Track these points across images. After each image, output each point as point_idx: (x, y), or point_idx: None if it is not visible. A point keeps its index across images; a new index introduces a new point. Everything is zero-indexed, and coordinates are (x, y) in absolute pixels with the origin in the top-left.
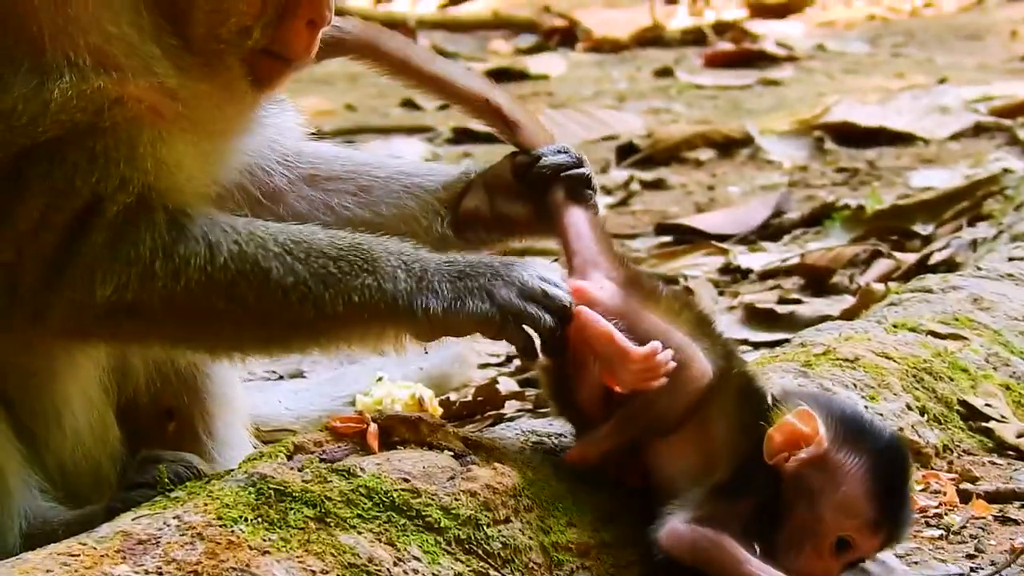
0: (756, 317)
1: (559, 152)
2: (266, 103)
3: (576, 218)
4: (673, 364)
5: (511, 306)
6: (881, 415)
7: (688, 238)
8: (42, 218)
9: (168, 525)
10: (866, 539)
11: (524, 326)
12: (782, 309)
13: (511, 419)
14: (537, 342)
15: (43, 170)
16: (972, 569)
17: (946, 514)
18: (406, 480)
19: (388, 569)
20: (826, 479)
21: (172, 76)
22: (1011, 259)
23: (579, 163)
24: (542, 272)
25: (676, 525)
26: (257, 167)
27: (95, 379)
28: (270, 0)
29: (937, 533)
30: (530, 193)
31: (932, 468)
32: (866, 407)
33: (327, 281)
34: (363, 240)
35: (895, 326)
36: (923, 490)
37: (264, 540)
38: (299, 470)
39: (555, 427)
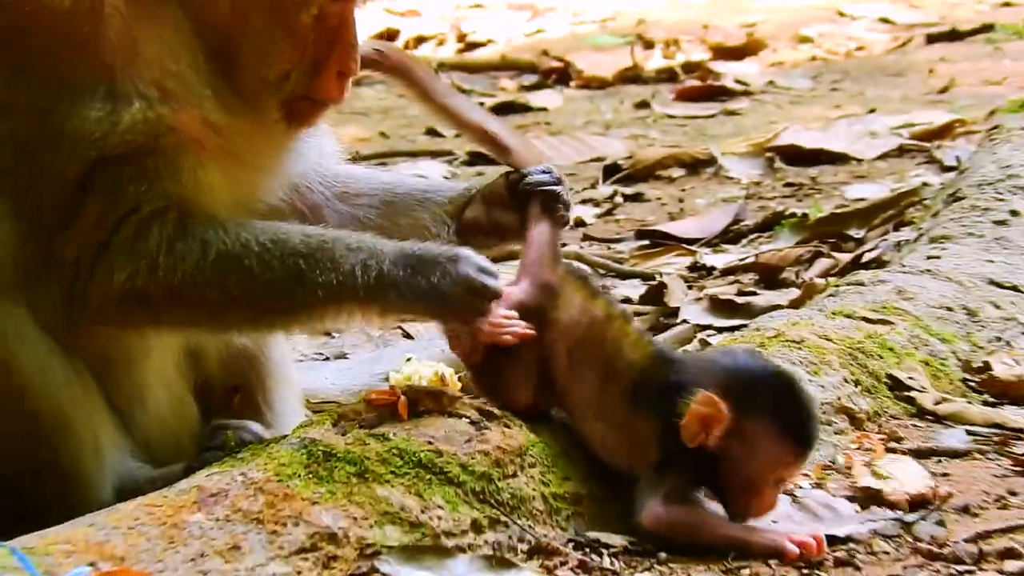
0: (719, 306)
1: (543, 172)
2: (304, 136)
3: (536, 229)
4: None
5: (453, 298)
6: (823, 387)
7: (663, 242)
8: (97, 219)
9: (235, 481)
10: (795, 468)
11: (462, 312)
12: (740, 300)
13: None
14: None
15: (105, 179)
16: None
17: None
18: (430, 443)
19: (416, 516)
20: (745, 442)
21: (217, 112)
22: (929, 257)
23: (557, 182)
24: (481, 264)
25: (653, 507)
26: (302, 185)
27: (172, 364)
28: (307, 52)
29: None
30: (518, 206)
31: (864, 430)
32: (810, 380)
33: (297, 277)
34: (329, 239)
35: (833, 313)
36: (857, 448)
37: (314, 492)
38: (342, 435)
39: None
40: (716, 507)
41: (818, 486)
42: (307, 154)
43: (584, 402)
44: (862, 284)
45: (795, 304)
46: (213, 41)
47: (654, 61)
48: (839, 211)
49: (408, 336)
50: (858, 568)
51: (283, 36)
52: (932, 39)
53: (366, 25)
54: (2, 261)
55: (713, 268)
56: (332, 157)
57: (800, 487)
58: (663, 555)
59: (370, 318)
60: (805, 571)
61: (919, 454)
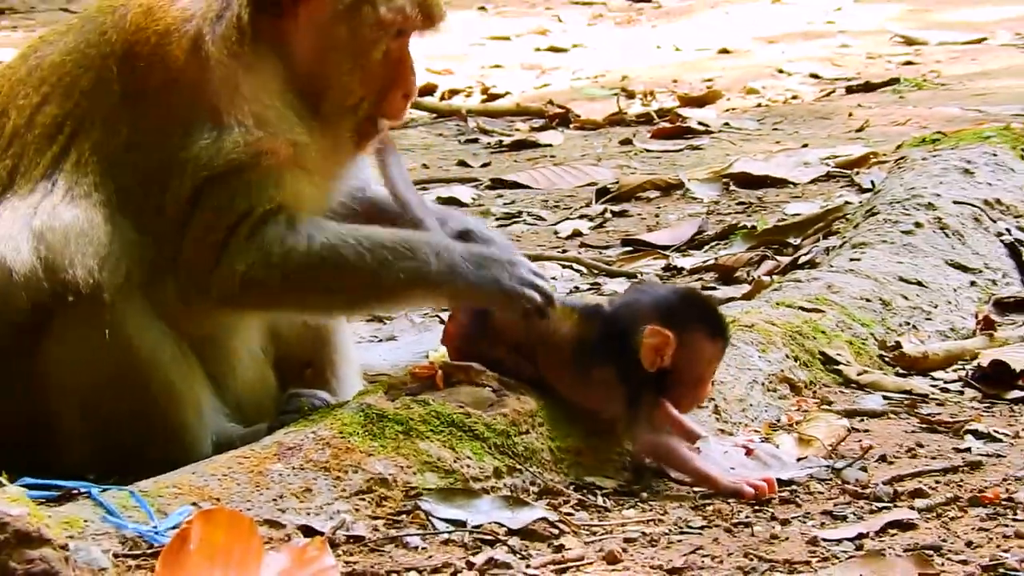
0: None
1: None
2: (364, 154)
3: None
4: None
5: (514, 290)
6: (769, 362)
7: (643, 248)
8: (210, 225)
9: (307, 437)
10: (721, 359)
11: (522, 303)
12: (704, 294)
13: None
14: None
15: (214, 193)
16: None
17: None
18: (461, 407)
19: (450, 464)
20: (687, 352)
21: (303, 136)
22: (851, 260)
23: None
24: (535, 268)
25: (643, 436)
26: (359, 194)
27: (256, 342)
28: (376, 82)
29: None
30: None
31: (802, 396)
32: (759, 356)
33: (384, 264)
34: (410, 235)
35: (777, 304)
36: (797, 410)
37: (369, 446)
38: (392, 401)
39: None
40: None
41: (766, 440)
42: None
43: (556, 378)
44: (799, 281)
45: (747, 297)
46: (299, 79)
47: (635, 108)
48: (780, 224)
49: (444, 322)
50: (799, 505)
51: (359, 72)
52: (851, 90)
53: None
54: (128, 265)
55: (682, 268)
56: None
57: (752, 441)
58: (645, 494)
59: (440, 301)
60: (757, 507)
61: (845, 414)
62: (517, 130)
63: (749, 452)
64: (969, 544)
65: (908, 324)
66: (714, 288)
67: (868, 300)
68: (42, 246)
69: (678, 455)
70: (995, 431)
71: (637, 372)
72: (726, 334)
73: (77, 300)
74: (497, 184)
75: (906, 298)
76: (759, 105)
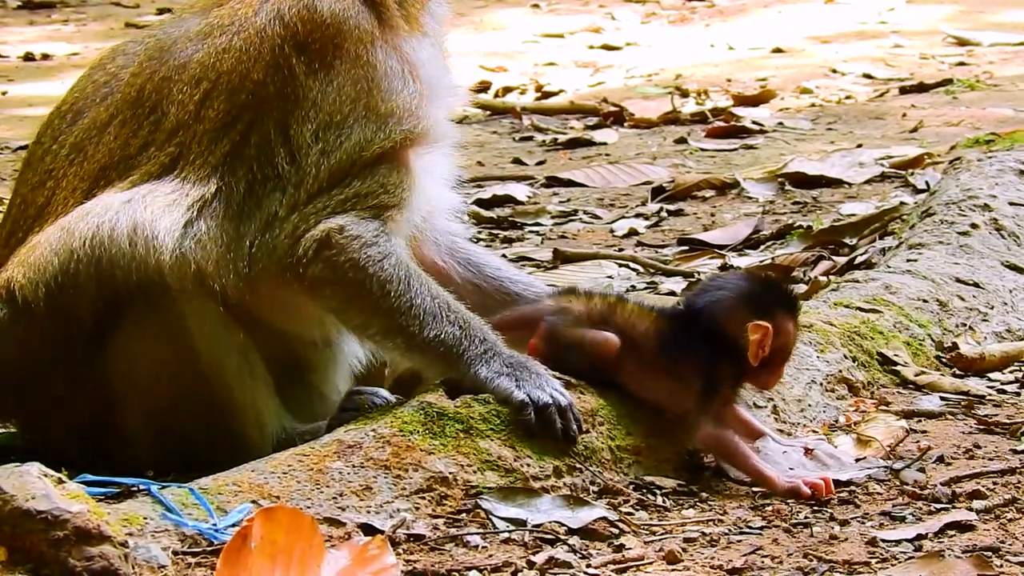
0: None
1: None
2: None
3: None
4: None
5: (530, 396)
6: (828, 362)
7: (699, 247)
8: (336, 177)
9: (367, 435)
10: None
11: (527, 414)
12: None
13: None
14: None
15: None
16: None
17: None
18: None
19: (511, 464)
20: (780, 338)
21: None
22: (908, 260)
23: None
24: (557, 384)
25: (706, 428)
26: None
27: (319, 337)
28: None
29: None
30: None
31: (860, 396)
32: (818, 356)
33: (435, 317)
34: (470, 313)
35: (835, 304)
36: (855, 411)
37: (430, 445)
38: (452, 391)
39: None
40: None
41: (825, 441)
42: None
43: (632, 375)
44: (857, 281)
45: (804, 297)
46: None
47: (689, 107)
48: (836, 224)
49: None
50: (857, 506)
51: None
52: (904, 91)
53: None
54: (207, 266)
55: (739, 268)
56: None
57: (813, 441)
58: (704, 494)
59: (457, 376)
60: (816, 507)
61: (903, 415)
62: (571, 128)
63: (808, 452)
64: None
65: (965, 325)
66: None
67: (925, 301)
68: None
69: (739, 452)
70: None
71: (719, 364)
72: (800, 307)
73: (150, 295)
74: (552, 182)
75: (962, 299)
76: (813, 105)
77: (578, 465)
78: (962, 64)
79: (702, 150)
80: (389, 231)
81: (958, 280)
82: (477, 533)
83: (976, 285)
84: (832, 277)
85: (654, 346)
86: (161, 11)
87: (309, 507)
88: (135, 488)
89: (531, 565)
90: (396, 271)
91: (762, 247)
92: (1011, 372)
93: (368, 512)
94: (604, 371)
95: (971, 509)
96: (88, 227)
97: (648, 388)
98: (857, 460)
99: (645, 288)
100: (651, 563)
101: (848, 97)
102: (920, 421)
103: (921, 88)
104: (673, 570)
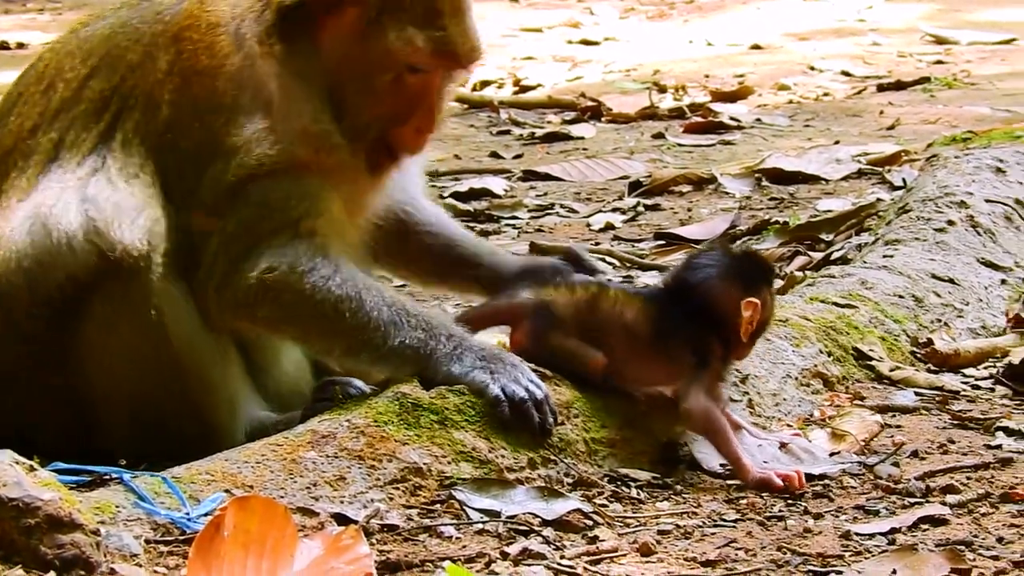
0: None
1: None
2: (395, 174)
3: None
4: None
5: (504, 390)
6: (803, 356)
7: (675, 242)
8: (249, 223)
9: (342, 425)
10: None
11: (503, 409)
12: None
13: None
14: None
15: (260, 191)
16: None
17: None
18: None
19: (485, 455)
20: (764, 312)
21: (336, 152)
22: (884, 256)
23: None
24: (532, 376)
25: (699, 397)
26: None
27: None
28: (385, 108)
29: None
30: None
31: (835, 391)
32: (793, 350)
33: (397, 325)
34: (430, 312)
35: (811, 299)
36: (830, 405)
37: (404, 435)
38: (427, 389)
39: None
40: None
41: (799, 435)
42: (405, 188)
43: (625, 360)
44: (833, 276)
45: (780, 292)
46: (328, 89)
47: (667, 103)
48: (813, 220)
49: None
50: (831, 499)
51: (368, 95)
52: (882, 88)
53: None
54: (171, 248)
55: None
56: (421, 194)
57: (786, 436)
58: (678, 487)
59: (430, 376)
60: (790, 501)
61: (878, 410)
62: (549, 122)
63: (784, 447)
64: (1000, 540)
65: (940, 321)
66: None
67: (901, 297)
68: (92, 214)
69: (723, 431)
70: None
71: (707, 338)
72: (773, 275)
73: (119, 276)
74: (529, 176)
75: (938, 295)
76: (790, 101)
77: (553, 457)
78: (939, 62)
79: (679, 145)
80: (322, 246)
81: (934, 276)
82: (451, 524)
83: (952, 281)
84: (808, 272)
85: (647, 331)
86: None
87: (282, 497)
88: (107, 476)
89: (505, 556)
90: (344, 290)
91: (738, 242)
92: (985, 368)
93: (342, 502)
94: (587, 378)
95: (945, 503)
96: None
97: (642, 373)
98: (831, 455)
99: (621, 282)
100: (625, 555)
101: (826, 94)
102: (894, 416)
103: (899, 86)
104: (647, 562)
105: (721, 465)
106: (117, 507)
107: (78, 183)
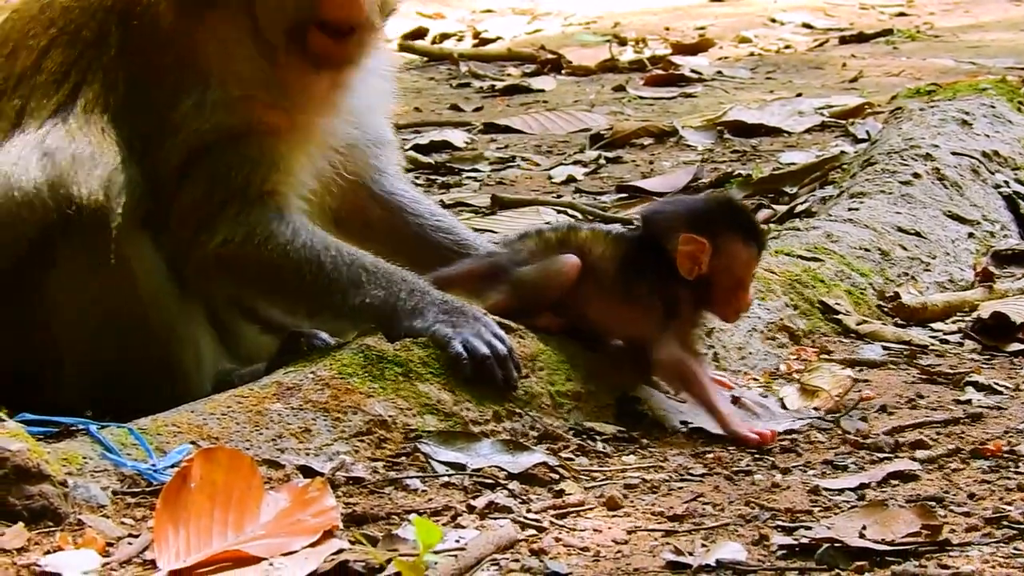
0: None
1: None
2: (347, 83)
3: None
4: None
5: (466, 345)
6: (768, 310)
7: (637, 195)
8: (199, 198)
9: (307, 378)
10: (756, 264)
11: (465, 364)
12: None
13: None
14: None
15: (206, 164)
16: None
17: (811, 372)
18: None
19: (450, 408)
20: (723, 257)
21: (282, 96)
22: (850, 209)
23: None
24: (495, 329)
25: (671, 347)
26: (374, 190)
27: None
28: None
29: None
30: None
31: (801, 345)
32: (758, 304)
33: (357, 284)
34: (390, 268)
35: (776, 252)
36: (796, 359)
37: (369, 388)
38: (391, 342)
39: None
40: None
41: (766, 388)
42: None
43: (594, 305)
44: (798, 230)
45: None
46: (262, 32)
47: (627, 55)
48: (776, 172)
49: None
50: (799, 454)
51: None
52: (844, 40)
53: (401, 24)
54: (134, 199)
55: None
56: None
57: (739, 391)
58: (644, 441)
59: (393, 333)
60: (757, 456)
61: (845, 364)
62: (509, 75)
63: (736, 400)
64: (972, 496)
65: (907, 275)
66: None
67: (867, 250)
68: (49, 165)
69: (698, 380)
70: (995, 383)
71: (675, 285)
72: (761, 238)
73: (82, 226)
74: (490, 128)
75: (904, 248)
76: (752, 54)
77: (518, 410)
78: (902, 15)
79: (640, 98)
80: (277, 207)
81: (900, 229)
82: (417, 477)
83: (918, 235)
84: (772, 225)
85: (612, 268)
86: None
87: (248, 448)
88: (74, 428)
89: (471, 509)
90: (303, 254)
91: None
92: (953, 322)
93: (307, 454)
94: (570, 304)
95: (914, 459)
96: None
97: (614, 315)
98: (784, 410)
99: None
100: (591, 508)
101: (787, 47)
102: (862, 371)
103: (861, 38)
104: (614, 516)
105: (682, 423)
106: (84, 458)
107: (37, 139)
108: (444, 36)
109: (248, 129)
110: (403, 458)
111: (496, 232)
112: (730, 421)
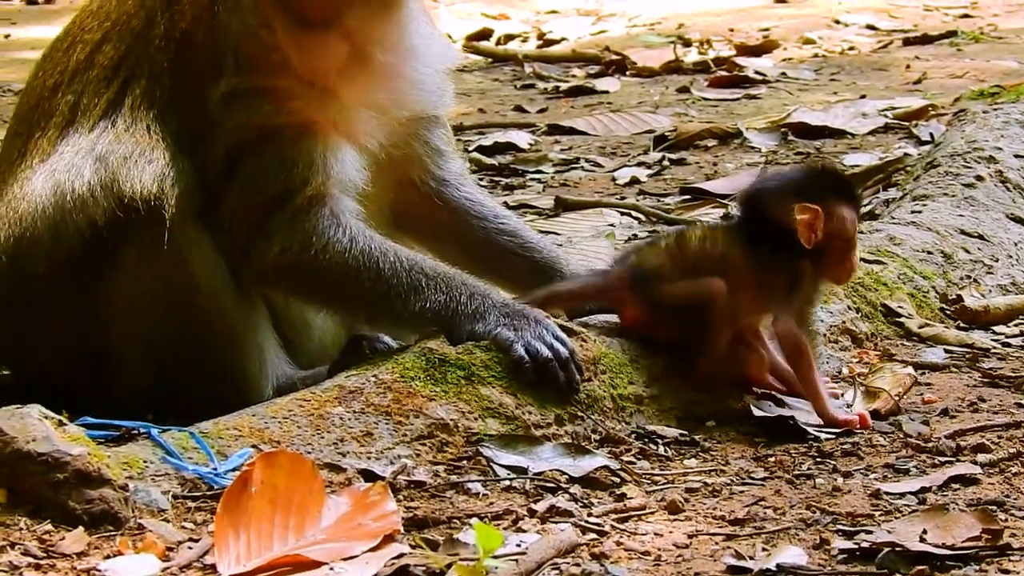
0: None
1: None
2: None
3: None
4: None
5: (528, 349)
6: (831, 313)
7: (701, 197)
8: (245, 203)
9: (369, 381)
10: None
11: (527, 368)
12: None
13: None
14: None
15: (249, 164)
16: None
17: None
18: None
19: (512, 411)
20: (834, 222)
21: (295, 78)
22: (913, 212)
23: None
24: (557, 332)
25: (788, 322)
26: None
27: None
28: None
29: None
30: None
31: (863, 348)
32: (821, 307)
33: (415, 289)
34: (450, 271)
35: None
36: (858, 362)
37: (431, 391)
38: (454, 345)
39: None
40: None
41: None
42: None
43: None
44: (861, 232)
45: None
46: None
47: (691, 56)
48: None
49: None
50: (861, 458)
51: None
52: (908, 42)
53: (465, 25)
54: (190, 194)
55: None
56: (456, 169)
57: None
58: (706, 444)
59: (454, 337)
60: (819, 459)
61: (907, 366)
62: (573, 76)
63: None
64: None
65: (969, 277)
66: None
67: (929, 252)
68: (102, 169)
69: (807, 360)
70: None
71: (795, 257)
72: (859, 198)
73: (139, 225)
74: (554, 130)
75: (967, 251)
76: (816, 55)
77: (580, 413)
78: (966, 16)
79: (704, 99)
80: (332, 213)
81: (963, 232)
82: (478, 480)
83: (981, 237)
84: None
85: (739, 259)
86: None
87: (310, 452)
88: (135, 431)
89: (532, 513)
90: (363, 260)
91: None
92: (1016, 325)
93: (369, 458)
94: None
95: (975, 463)
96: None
97: (745, 302)
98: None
99: (647, 237)
100: (652, 512)
101: (851, 48)
102: (924, 373)
103: (925, 40)
104: (675, 520)
105: (753, 415)
106: (145, 462)
107: (89, 146)
108: (509, 37)
109: (279, 126)
110: (464, 462)
111: (560, 234)
112: (827, 404)
